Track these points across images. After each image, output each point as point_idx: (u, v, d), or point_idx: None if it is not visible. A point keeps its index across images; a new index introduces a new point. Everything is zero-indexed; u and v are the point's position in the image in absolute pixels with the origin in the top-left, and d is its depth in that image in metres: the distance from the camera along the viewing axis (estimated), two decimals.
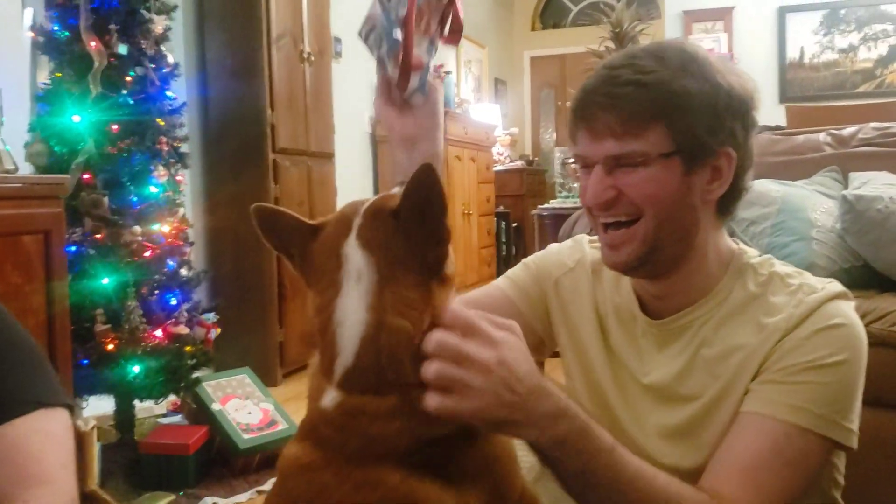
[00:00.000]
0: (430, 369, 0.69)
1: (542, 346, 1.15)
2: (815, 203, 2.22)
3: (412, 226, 0.72)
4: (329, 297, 0.73)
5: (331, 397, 0.72)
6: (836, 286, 0.95)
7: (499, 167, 6.82)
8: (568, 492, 0.81)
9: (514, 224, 6.67)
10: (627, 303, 1.05)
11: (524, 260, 1.16)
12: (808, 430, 0.88)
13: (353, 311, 0.72)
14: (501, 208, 6.39)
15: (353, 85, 4.83)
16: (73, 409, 1.02)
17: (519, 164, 7.36)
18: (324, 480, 0.71)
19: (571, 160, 0.99)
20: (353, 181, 4.84)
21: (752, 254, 1.01)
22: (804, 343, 0.90)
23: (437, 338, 0.69)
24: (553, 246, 1.16)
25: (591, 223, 0.99)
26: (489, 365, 0.70)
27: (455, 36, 0.94)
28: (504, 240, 6.34)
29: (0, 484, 0.90)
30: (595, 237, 1.16)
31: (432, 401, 0.69)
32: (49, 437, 0.94)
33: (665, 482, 0.82)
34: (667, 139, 0.90)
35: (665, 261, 0.95)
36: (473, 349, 0.70)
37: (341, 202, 4.25)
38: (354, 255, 0.73)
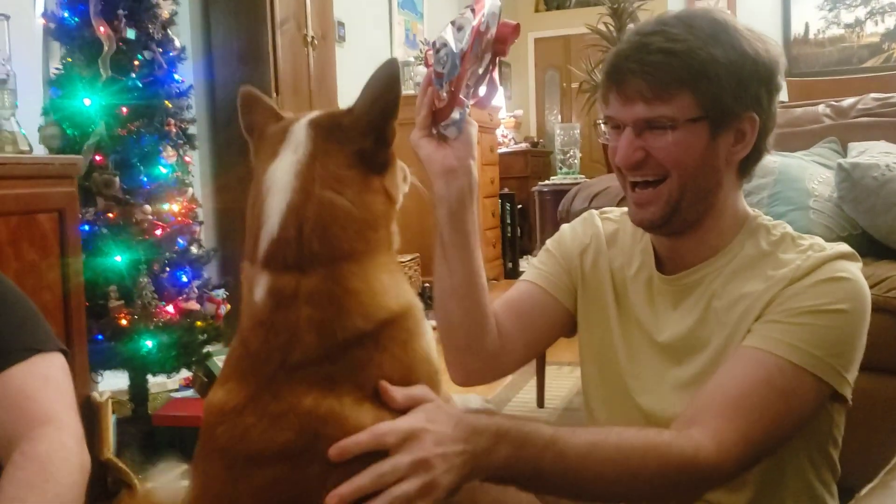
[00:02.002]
0: (389, 499, 0.70)
1: (576, 326, 1.19)
2: (813, 173, 2.24)
3: (361, 116, 0.76)
4: (264, 166, 0.76)
5: (260, 286, 0.73)
6: (844, 247, 0.99)
7: (503, 149, 6.84)
8: (551, 495, 0.86)
9: (519, 206, 6.69)
10: (644, 265, 1.10)
11: (545, 245, 1.21)
12: (803, 369, 0.91)
13: (281, 176, 0.74)
14: (506, 190, 6.41)
15: (357, 69, 4.86)
16: (67, 355, 1.05)
17: (523, 145, 7.37)
18: (245, 423, 0.70)
19: (603, 121, 1.03)
20: None
21: (766, 217, 1.06)
22: (808, 290, 0.94)
23: (370, 474, 0.70)
24: (565, 226, 1.21)
25: (620, 182, 1.05)
26: (429, 458, 0.72)
27: (489, 97, 1.01)
28: (509, 221, 6.36)
29: (4, 428, 0.93)
30: (607, 209, 1.22)
31: None
32: (48, 380, 0.98)
33: (631, 436, 0.86)
34: (694, 105, 0.94)
35: (687, 219, 1.00)
36: (408, 457, 0.71)
37: None
38: (299, 131, 0.77)
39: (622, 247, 1.14)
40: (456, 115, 0.96)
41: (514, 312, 1.14)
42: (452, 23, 0.94)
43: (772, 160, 2.32)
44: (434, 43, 0.94)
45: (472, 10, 0.94)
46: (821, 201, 2.16)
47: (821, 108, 2.63)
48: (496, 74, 1.01)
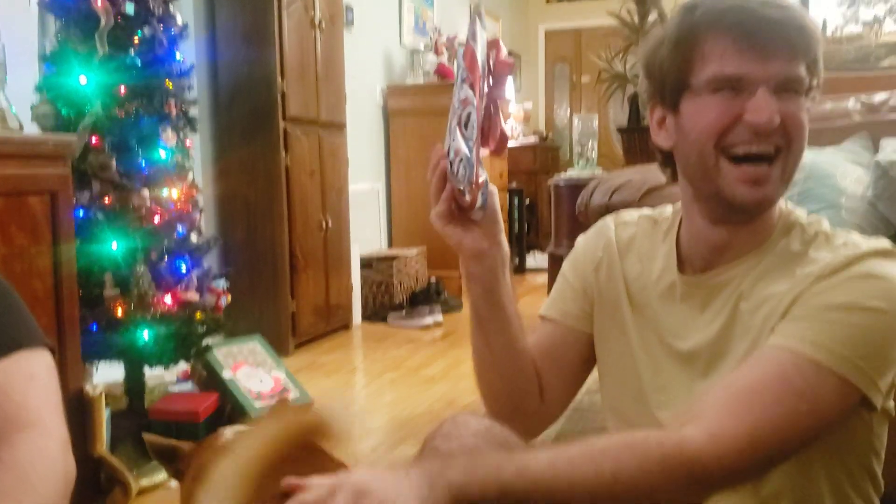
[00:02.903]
0: None
1: None
2: (845, 170, 2.14)
3: None
4: None
5: None
6: (883, 243, 0.89)
7: (512, 142, 6.73)
8: None
9: (527, 201, 6.60)
10: (667, 269, 1.01)
11: (561, 270, 1.15)
12: (827, 368, 0.81)
13: None
14: (514, 185, 6.31)
15: (366, 55, 4.75)
16: (54, 351, 0.98)
17: (532, 139, 7.27)
18: None
19: (705, 83, 0.89)
20: (364, 153, 4.78)
21: (800, 211, 0.98)
22: (837, 286, 0.85)
23: None
24: (579, 241, 1.15)
25: (710, 161, 0.91)
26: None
27: (503, 145, 0.96)
28: (517, 217, 6.27)
29: None
30: (624, 213, 1.14)
31: None
32: (32, 378, 0.91)
33: (602, 440, 0.81)
34: (806, 71, 0.88)
35: (778, 197, 0.93)
36: None
37: (353, 174, 4.22)
38: None
39: (640, 253, 1.06)
40: (479, 200, 0.93)
41: (546, 359, 1.10)
42: (458, 123, 0.90)
43: None
44: (450, 163, 0.92)
45: (470, 85, 0.89)
46: (853, 199, 2.06)
47: (851, 103, 2.52)
48: (502, 122, 0.96)
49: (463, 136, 0.90)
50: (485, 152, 0.96)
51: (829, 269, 0.86)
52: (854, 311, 0.83)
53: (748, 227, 0.95)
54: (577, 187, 2.48)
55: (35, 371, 0.92)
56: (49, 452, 0.87)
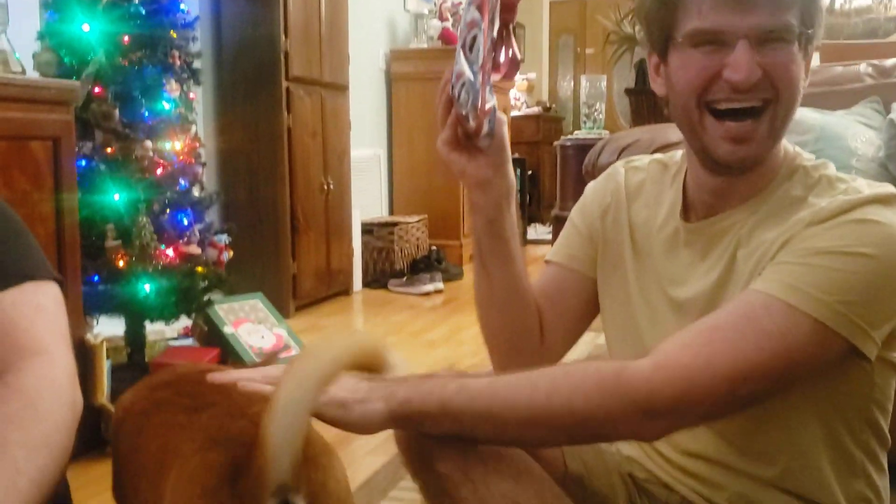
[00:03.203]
0: None
1: None
2: (856, 132, 2.12)
3: None
4: None
5: None
6: (886, 188, 0.84)
7: (515, 112, 6.69)
8: (471, 436, 0.83)
9: (530, 172, 6.57)
10: (671, 215, 0.99)
11: (570, 215, 1.13)
12: (799, 311, 0.77)
13: None
14: (517, 155, 6.28)
15: (370, 18, 4.70)
16: (62, 285, 0.97)
17: (536, 110, 7.22)
18: None
19: (685, 38, 0.87)
20: (366, 116, 4.74)
21: (806, 155, 0.94)
22: (827, 231, 0.81)
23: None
24: (589, 187, 1.13)
25: (694, 116, 0.89)
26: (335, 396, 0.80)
27: (513, 70, 0.95)
28: (519, 188, 6.24)
29: None
30: (635, 158, 1.10)
31: None
32: (40, 308, 0.89)
33: (543, 369, 0.83)
34: (799, 18, 0.84)
35: (769, 149, 0.90)
36: None
37: (354, 140, 4.19)
38: None
39: (647, 199, 1.03)
40: (485, 127, 0.89)
41: (548, 301, 1.09)
42: (462, 46, 0.87)
43: (812, 116, 2.19)
44: (452, 86, 0.89)
45: (478, 6, 0.85)
46: (864, 161, 2.04)
47: (862, 67, 2.49)
48: (514, 46, 0.94)
49: (467, 59, 0.86)
50: (496, 78, 0.92)
51: (823, 215, 0.82)
52: (839, 255, 0.79)
53: (751, 174, 0.91)
54: (583, 148, 2.46)
55: (43, 302, 0.90)
56: (56, 381, 0.85)
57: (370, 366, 0.82)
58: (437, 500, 0.87)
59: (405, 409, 0.81)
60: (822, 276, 0.78)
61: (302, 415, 0.69)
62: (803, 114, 2.23)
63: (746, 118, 0.86)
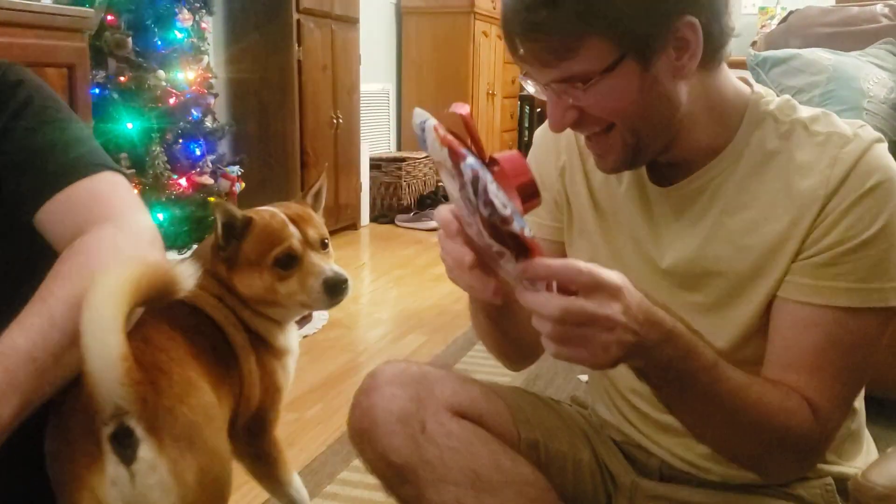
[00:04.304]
0: (551, 330, 0.67)
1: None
2: (868, 73, 2.11)
3: None
4: None
5: None
6: (867, 132, 0.85)
7: None
8: (664, 404, 0.82)
9: (538, 109, 6.52)
10: (638, 177, 0.95)
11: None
12: (861, 309, 0.82)
13: None
14: (525, 92, 6.22)
15: None
16: (128, 179, 1.03)
17: None
18: None
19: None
20: (376, 50, 4.70)
21: (769, 97, 0.90)
22: (846, 215, 0.82)
23: (559, 305, 0.66)
24: (538, 134, 1.06)
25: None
26: (616, 320, 0.68)
27: (534, 201, 0.72)
28: (527, 125, 6.21)
29: (72, 231, 0.88)
30: None
31: (550, 347, 0.68)
32: (117, 186, 0.95)
33: (759, 393, 0.81)
34: (608, 47, 0.77)
35: (656, 149, 0.87)
36: (598, 309, 0.68)
37: (364, 74, 4.16)
38: None
39: None
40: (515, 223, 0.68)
41: None
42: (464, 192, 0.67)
43: (825, 57, 2.18)
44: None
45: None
46: (875, 103, 2.04)
47: (879, 7, 2.46)
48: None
49: (483, 200, 0.64)
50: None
51: (832, 187, 0.82)
52: (866, 245, 0.81)
53: (678, 150, 0.88)
54: None
55: (119, 181, 0.96)
56: (116, 242, 0.87)
57: (162, 287, 0.81)
58: (399, 491, 0.90)
59: (654, 369, 0.76)
60: (861, 269, 0.82)
61: (112, 334, 0.72)
62: (817, 54, 2.22)
63: (600, 137, 0.85)
